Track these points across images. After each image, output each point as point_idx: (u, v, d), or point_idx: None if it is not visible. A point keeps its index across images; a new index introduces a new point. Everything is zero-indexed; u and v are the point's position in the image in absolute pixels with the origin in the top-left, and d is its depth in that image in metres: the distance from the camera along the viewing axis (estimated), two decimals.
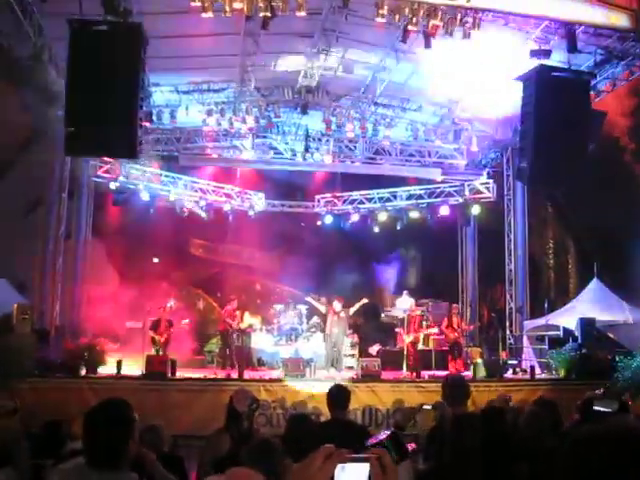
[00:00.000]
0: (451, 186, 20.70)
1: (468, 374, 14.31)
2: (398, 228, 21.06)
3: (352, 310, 15.71)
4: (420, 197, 21.06)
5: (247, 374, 13.97)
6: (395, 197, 21.27)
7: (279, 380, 13.13)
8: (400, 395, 12.31)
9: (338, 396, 5.78)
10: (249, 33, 12.89)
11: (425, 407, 5.16)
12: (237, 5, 10.81)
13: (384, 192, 21.20)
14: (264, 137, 18.36)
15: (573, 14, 12.59)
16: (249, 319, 15.83)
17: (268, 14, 11.16)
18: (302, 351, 16.28)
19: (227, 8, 10.81)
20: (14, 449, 4.62)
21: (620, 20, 12.98)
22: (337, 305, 15.68)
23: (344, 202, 21.60)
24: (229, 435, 5.01)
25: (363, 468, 1.34)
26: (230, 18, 11.07)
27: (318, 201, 21.78)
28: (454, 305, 17.55)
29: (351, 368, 15.60)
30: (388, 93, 16.57)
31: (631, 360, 12.79)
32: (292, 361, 14.05)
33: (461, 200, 20.74)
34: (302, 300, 19.19)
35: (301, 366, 13.47)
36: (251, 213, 20.97)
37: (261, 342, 16.90)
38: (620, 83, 14.59)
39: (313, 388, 12.50)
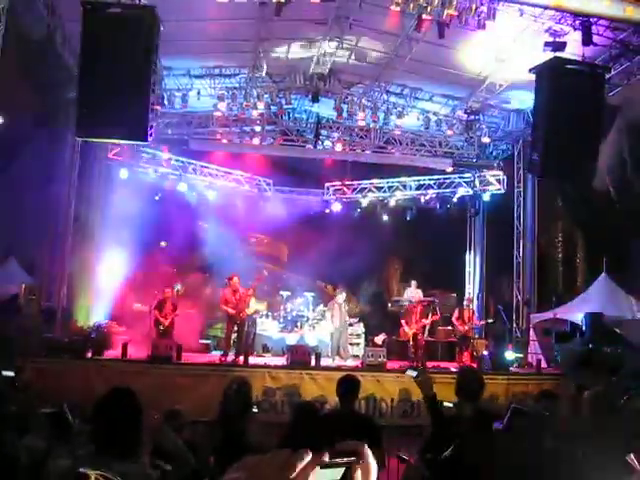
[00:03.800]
0: (461, 177, 20.66)
1: (474, 366, 14.33)
2: (407, 218, 21.05)
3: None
4: (430, 187, 21.04)
5: (252, 360, 14.00)
6: (405, 187, 21.25)
7: (284, 367, 13.15)
8: (405, 385, 12.32)
9: (348, 387, 5.76)
10: (262, 19, 12.82)
11: (446, 404, 5.11)
12: None
13: (394, 181, 21.17)
14: (274, 123, 18.32)
15: (588, 6, 12.45)
16: (255, 305, 15.85)
17: (282, 0, 11.10)
18: (308, 339, 16.32)
19: None
20: (33, 420, 4.67)
21: (636, 13, 12.84)
22: (340, 295, 15.70)
23: (353, 190, 21.57)
24: (221, 425, 5.03)
25: (337, 473, 1.30)
26: (244, 3, 11.00)
27: (327, 189, 21.75)
28: (468, 298, 17.54)
29: (356, 357, 15.63)
30: (399, 82, 16.50)
31: (636, 356, 12.76)
32: (297, 348, 14.07)
33: (471, 191, 20.71)
34: (309, 287, 19.21)
35: (306, 354, 13.48)
36: (260, 199, 20.96)
37: (267, 328, 16.93)
38: (635, 77, 14.45)
39: (318, 376, 12.53)
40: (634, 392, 6.13)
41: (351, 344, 16.48)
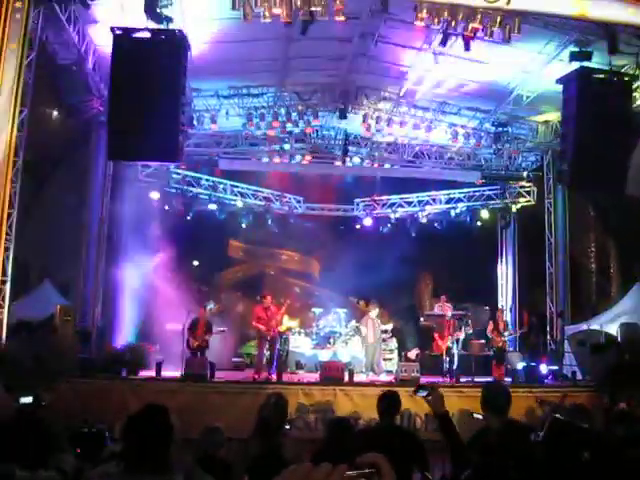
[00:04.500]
0: (491, 189, 20.55)
1: (508, 379, 14.19)
2: (437, 231, 20.98)
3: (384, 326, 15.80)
4: (460, 200, 20.94)
5: (285, 377, 14.02)
6: (435, 201, 21.18)
7: (317, 384, 13.14)
8: None
9: (390, 403, 5.75)
10: (288, 38, 12.96)
11: (475, 416, 5.08)
12: (276, 11, 10.88)
13: (423, 195, 21.13)
14: (303, 141, 18.45)
15: (612, 15, 12.38)
16: (287, 322, 15.89)
17: (307, 19, 11.22)
18: (340, 355, 16.30)
19: (266, 14, 10.89)
20: (59, 442, 4.70)
21: None
22: (373, 310, 15.69)
23: (383, 206, 21.55)
24: (258, 438, 5.05)
25: None
26: (270, 23, 11.14)
27: (357, 204, 21.78)
28: (500, 309, 17.40)
29: (390, 372, 15.57)
30: (427, 96, 16.52)
31: None
32: (330, 365, 14.05)
33: (501, 203, 20.59)
34: (341, 303, 19.21)
35: (339, 370, 13.46)
36: (290, 216, 21.06)
37: (300, 345, 16.95)
38: None
39: (351, 392, 12.50)
40: None
41: (384, 359, 16.43)
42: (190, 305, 15.31)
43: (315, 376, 14.19)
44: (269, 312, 14.42)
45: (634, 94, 13.40)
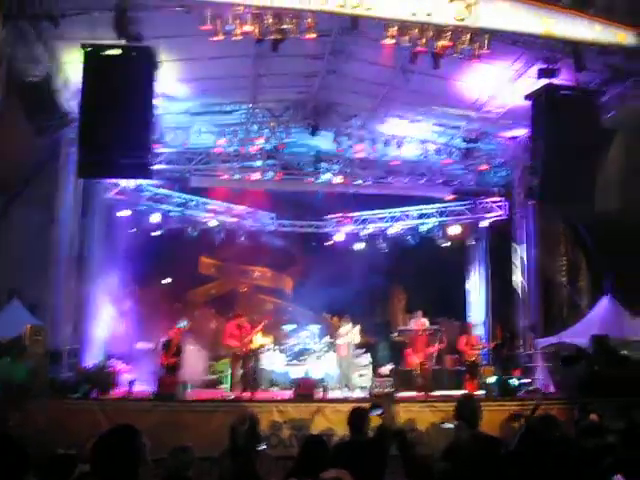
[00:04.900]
0: (461, 204, 20.73)
1: (481, 393, 14.25)
2: (409, 247, 21.10)
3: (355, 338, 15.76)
4: (431, 216, 21.09)
5: (259, 395, 13.93)
6: (406, 216, 21.31)
7: (290, 401, 13.08)
8: (412, 415, 12.24)
9: (357, 419, 5.79)
10: (259, 55, 12.99)
11: (446, 425, 5.11)
12: (247, 28, 10.93)
13: (395, 211, 21.26)
14: (275, 158, 18.46)
15: (579, 33, 12.65)
16: (260, 339, 15.81)
17: (278, 37, 11.27)
18: (314, 371, 16.23)
19: (237, 31, 10.92)
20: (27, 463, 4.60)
21: (626, 38, 13.03)
22: (347, 326, 15.69)
23: (355, 222, 21.62)
24: (230, 457, 5.02)
25: None
26: (240, 41, 11.17)
27: (329, 221, 21.81)
28: (469, 323, 17.51)
29: (364, 388, 15.54)
30: (398, 113, 16.64)
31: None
32: (303, 381, 14.01)
33: (472, 219, 20.77)
34: (314, 319, 19.18)
35: (312, 386, 13.42)
36: (262, 233, 21.04)
37: (273, 362, 16.86)
38: (629, 100, 14.56)
39: (325, 409, 12.45)
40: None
41: (358, 375, 16.40)
42: (162, 323, 15.18)
43: (289, 393, 14.12)
44: (242, 329, 14.35)
45: (601, 109, 13.62)
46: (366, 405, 6.44)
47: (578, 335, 15.63)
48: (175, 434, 10.24)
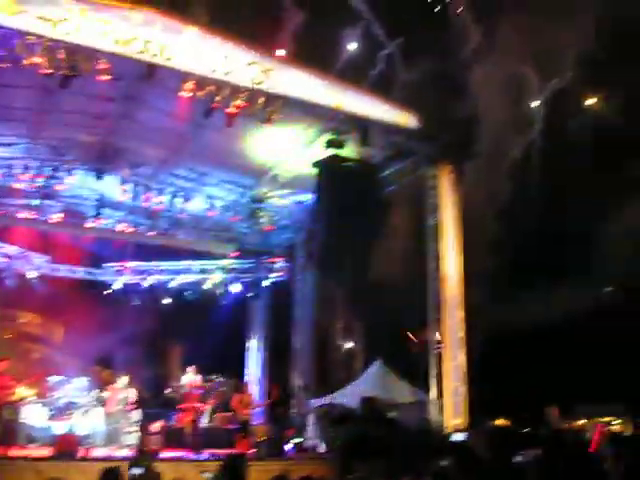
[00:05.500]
0: (244, 263, 20.93)
1: (252, 452, 14.20)
2: (190, 301, 20.84)
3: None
4: (214, 272, 21.04)
5: (13, 452, 12.76)
6: (189, 270, 21.07)
7: (49, 459, 12.12)
8: (179, 474, 11.84)
9: (107, 478, 5.51)
10: (47, 89, 12.35)
11: (205, 475, 5.02)
12: (37, 60, 10.40)
13: (177, 265, 20.97)
14: (54, 198, 17.47)
15: (367, 111, 13.57)
16: (24, 391, 14.61)
17: (69, 73, 10.84)
18: (79, 426, 15.23)
19: (25, 61, 10.36)
20: None
21: (408, 120, 14.20)
22: (118, 379, 15.04)
23: (135, 272, 20.98)
24: None
25: None
26: (27, 71, 10.59)
27: (108, 269, 20.98)
28: (245, 382, 17.50)
29: (131, 445, 14.83)
30: (187, 165, 16.58)
31: (407, 438, 13.33)
32: (65, 438, 13.10)
33: (254, 277, 21.02)
34: (84, 371, 18.14)
35: (75, 443, 12.59)
36: (32, 276, 19.72)
37: (33, 416, 15.58)
38: (406, 177, 15.74)
39: (87, 467, 11.68)
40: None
41: (127, 432, 15.64)
42: None
43: (48, 450, 13.09)
44: (1, 379, 13.20)
45: (382, 183, 14.56)
46: (123, 464, 6.15)
47: (349, 396, 16.21)
48: None
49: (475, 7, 20.81)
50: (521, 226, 19.95)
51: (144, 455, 12.59)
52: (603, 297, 21.23)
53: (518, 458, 6.59)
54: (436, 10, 22.06)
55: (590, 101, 21.18)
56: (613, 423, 18.27)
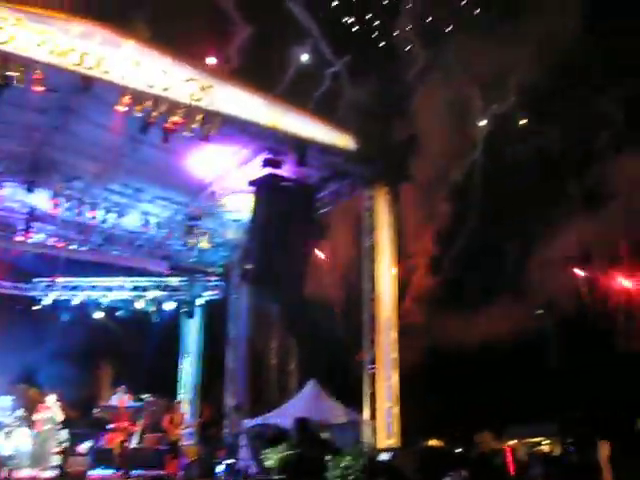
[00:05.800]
0: (179, 280, 20.67)
1: (181, 474, 13.96)
2: (121, 319, 20.44)
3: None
4: (146, 289, 20.70)
5: None
6: (121, 287, 20.67)
7: None
8: None
9: None
10: None
11: None
12: None
13: (109, 281, 20.53)
14: None
15: (305, 131, 13.68)
16: None
17: (1, 82, 10.58)
18: (3, 447, 14.71)
19: None
20: None
21: (346, 142, 14.37)
22: (45, 399, 14.60)
23: (66, 288, 20.46)
24: None
25: None
26: None
27: (37, 284, 20.40)
28: (176, 402, 17.21)
29: (58, 467, 14.39)
30: (121, 181, 16.33)
31: (340, 459, 13.33)
32: None
33: (188, 295, 20.77)
34: (9, 390, 17.57)
35: None
36: None
37: None
38: (343, 198, 15.88)
39: None
40: None
41: (54, 453, 15.16)
42: None
43: None
44: None
45: (317, 204, 14.65)
46: None
47: (282, 417, 16.11)
48: None
49: (421, 32, 21.30)
50: (458, 246, 20.37)
51: (68, 477, 12.27)
52: (535, 319, 21.76)
53: (446, 479, 6.67)
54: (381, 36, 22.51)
55: (529, 125, 21.92)
56: (543, 443, 18.74)
